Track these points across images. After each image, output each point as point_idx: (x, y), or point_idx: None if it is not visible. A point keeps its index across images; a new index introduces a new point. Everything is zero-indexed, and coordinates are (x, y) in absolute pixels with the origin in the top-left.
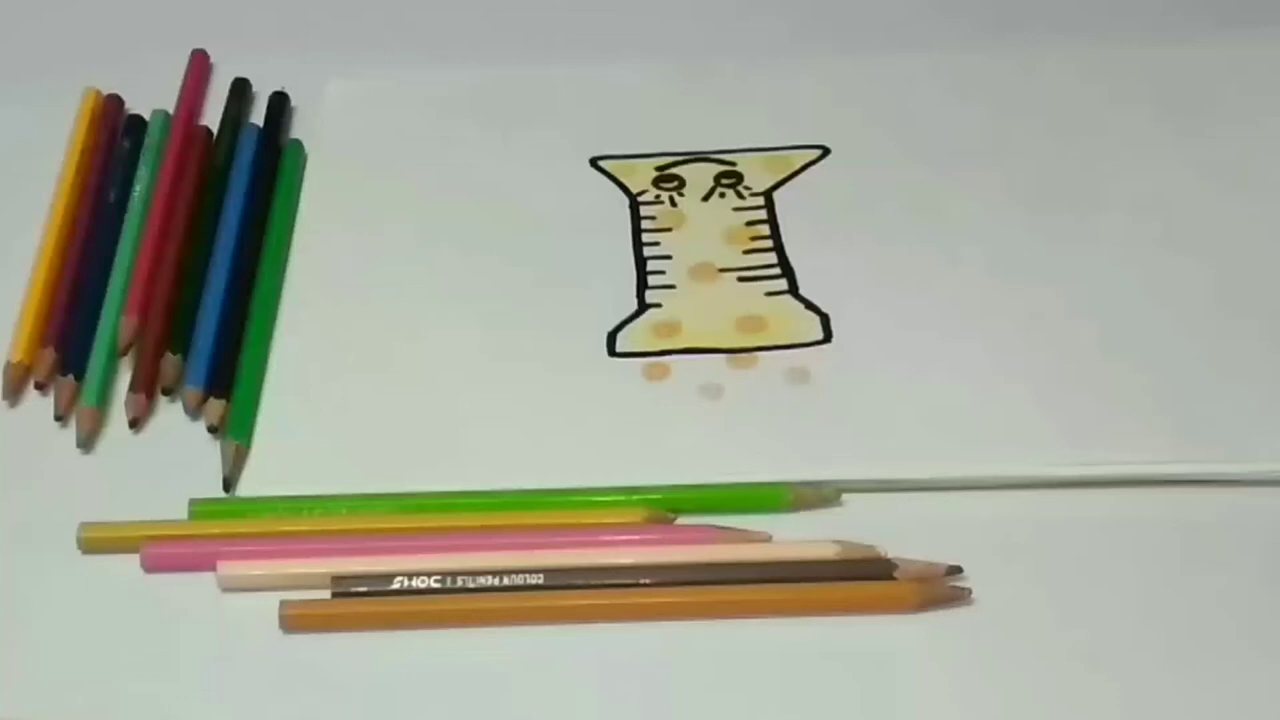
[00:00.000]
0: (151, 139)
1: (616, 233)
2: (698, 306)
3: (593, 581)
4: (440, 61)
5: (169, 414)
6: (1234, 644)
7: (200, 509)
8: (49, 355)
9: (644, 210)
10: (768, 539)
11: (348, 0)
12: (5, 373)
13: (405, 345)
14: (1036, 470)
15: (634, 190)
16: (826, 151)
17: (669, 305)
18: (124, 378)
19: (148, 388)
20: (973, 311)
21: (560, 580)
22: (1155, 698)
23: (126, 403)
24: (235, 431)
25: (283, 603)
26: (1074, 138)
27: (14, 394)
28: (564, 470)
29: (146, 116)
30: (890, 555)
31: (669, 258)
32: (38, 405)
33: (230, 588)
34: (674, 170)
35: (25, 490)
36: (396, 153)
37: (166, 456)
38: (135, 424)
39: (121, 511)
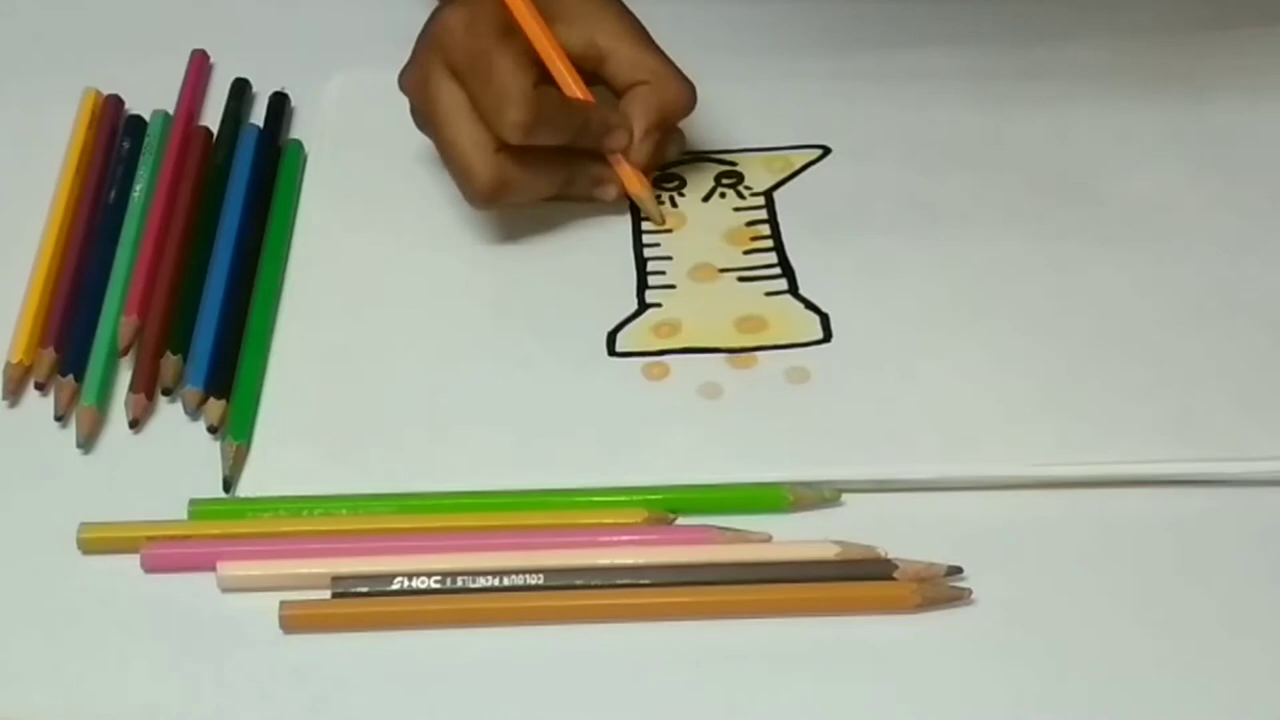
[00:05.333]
0: (151, 139)
1: (617, 233)
2: (698, 306)
3: (593, 581)
4: None
5: (169, 414)
6: (1232, 643)
7: (200, 509)
8: (49, 355)
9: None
10: (767, 539)
11: (348, 0)
12: (5, 373)
13: (405, 345)
14: (1036, 470)
15: None
16: (827, 151)
17: (669, 305)
18: (124, 378)
19: (148, 388)
20: (972, 311)
21: (560, 580)
22: (1154, 697)
23: (126, 403)
24: (235, 432)
25: (283, 603)
26: (1073, 136)
27: (14, 394)
28: (564, 470)
29: (146, 116)
30: (890, 555)
31: (669, 258)
32: (38, 405)
33: (230, 588)
34: (674, 170)
35: (25, 490)
36: (397, 152)
37: (166, 456)
38: (135, 424)
39: (121, 511)
